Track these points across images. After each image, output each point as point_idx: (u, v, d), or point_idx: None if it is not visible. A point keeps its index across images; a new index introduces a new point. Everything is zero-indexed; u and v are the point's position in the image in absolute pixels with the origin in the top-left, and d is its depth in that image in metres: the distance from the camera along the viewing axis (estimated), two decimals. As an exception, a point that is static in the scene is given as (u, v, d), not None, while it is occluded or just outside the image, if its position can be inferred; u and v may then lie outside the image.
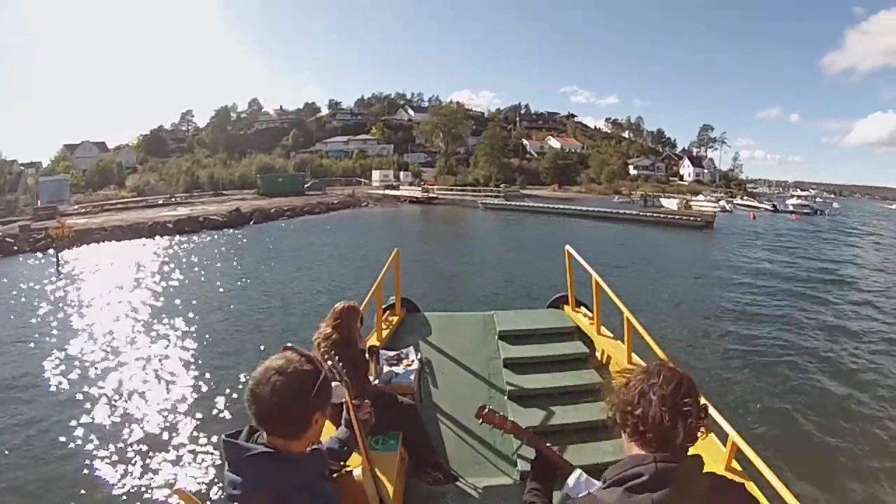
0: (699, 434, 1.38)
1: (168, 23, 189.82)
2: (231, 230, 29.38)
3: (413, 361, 4.42)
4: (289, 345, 1.61)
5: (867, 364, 10.81)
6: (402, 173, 67.41)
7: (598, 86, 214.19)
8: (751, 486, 2.56)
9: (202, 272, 18.77)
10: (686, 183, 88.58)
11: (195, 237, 27.47)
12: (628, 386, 1.41)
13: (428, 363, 5.01)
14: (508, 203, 48.81)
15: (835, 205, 72.13)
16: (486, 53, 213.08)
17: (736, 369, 10.17)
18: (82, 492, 6.12)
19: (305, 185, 54.26)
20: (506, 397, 4.67)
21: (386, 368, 4.16)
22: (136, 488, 6.18)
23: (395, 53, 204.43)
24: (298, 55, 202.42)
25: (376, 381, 3.91)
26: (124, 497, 6.06)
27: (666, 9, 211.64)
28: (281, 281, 17.19)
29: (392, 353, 4.48)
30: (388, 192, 54.04)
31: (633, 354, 4.48)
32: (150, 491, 6.12)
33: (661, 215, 40.48)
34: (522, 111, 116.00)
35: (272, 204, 38.31)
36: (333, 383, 2.18)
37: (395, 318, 5.66)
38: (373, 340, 4.82)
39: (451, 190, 56.77)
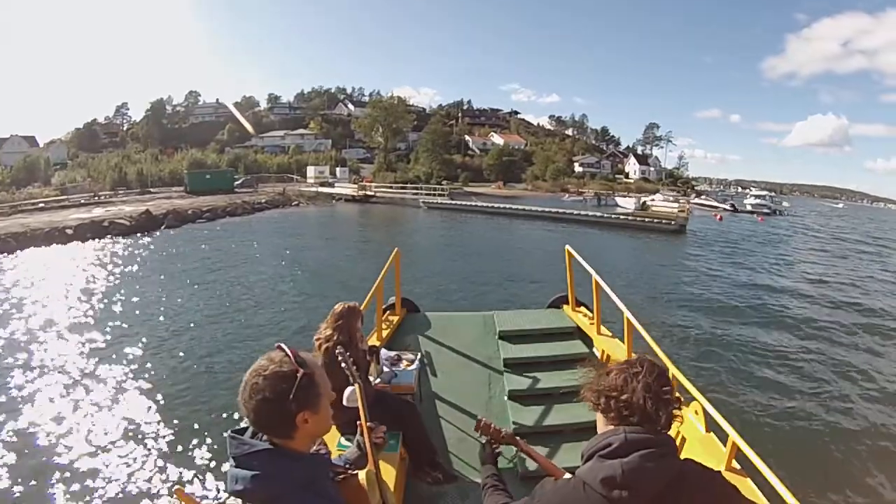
0: (675, 421, 1.51)
1: (106, 12, 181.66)
2: (139, 236, 25.95)
3: (413, 361, 4.53)
4: (278, 343, 1.63)
5: (867, 364, 11.03)
6: (338, 169, 65.45)
7: (538, 84, 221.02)
8: (750, 486, 2.85)
9: (76, 296, 14.57)
10: (632, 181, 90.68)
11: (96, 245, 23.81)
12: (610, 374, 1.54)
13: (428, 363, 5.14)
14: (453, 202, 46.07)
15: (785, 203, 74.84)
16: (428, 50, 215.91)
17: (736, 368, 10.37)
18: (79, 494, 6.05)
19: (236, 183, 51.92)
20: (506, 397, 4.80)
21: (386, 368, 4.24)
22: (134, 488, 6.14)
23: (337, 48, 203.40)
24: (241, 48, 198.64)
25: (376, 381, 3.99)
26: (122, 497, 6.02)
27: (606, 10, 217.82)
28: (171, 309, 13.30)
29: (392, 353, 4.59)
30: (321, 189, 51.61)
31: (633, 354, 4.41)
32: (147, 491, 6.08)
33: (630, 218, 37.37)
34: (465, 107, 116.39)
35: (193, 204, 35.51)
36: (348, 388, 2.55)
37: (395, 318, 5.78)
38: (373, 340, 4.93)
39: (391, 187, 54.31)
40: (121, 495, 6.01)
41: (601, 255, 21.93)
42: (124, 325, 11.86)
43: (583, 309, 6.04)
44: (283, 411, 1.50)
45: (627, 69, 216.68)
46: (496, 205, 43.95)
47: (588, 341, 5.50)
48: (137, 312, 13.07)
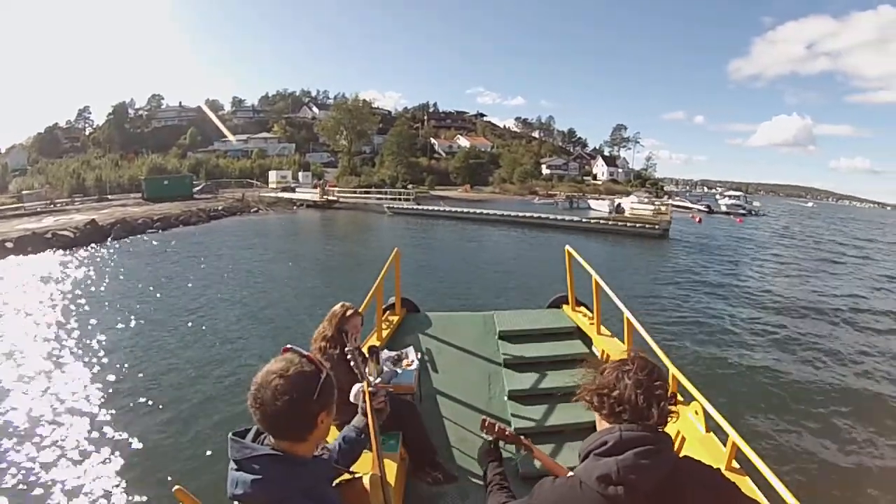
0: (670, 418, 1.53)
1: (69, 13, 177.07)
2: (81, 249, 23.69)
3: (413, 361, 4.54)
4: (288, 346, 1.66)
5: (868, 364, 11.25)
6: (301, 174, 64.68)
7: (504, 87, 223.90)
8: (750, 486, 2.88)
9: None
10: (600, 182, 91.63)
11: (35, 260, 21.46)
12: (604, 373, 1.59)
13: (428, 363, 5.18)
14: (419, 207, 44.60)
15: (756, 203, 76.06)
16: (394, 54, 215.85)
17: (737, 369, 10.52)
18: (76, 493, 6.07)
19: (196, 189, 50.83)
20: (506, 397, 4.83)
21: (386, 368, 4.23)
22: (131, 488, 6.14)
23: (302, 52, 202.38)
24: (205, 50, 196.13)
25: (376, 381, 3.84)
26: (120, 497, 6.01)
27: (571, 13, 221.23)
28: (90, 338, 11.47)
29: (392, 353, 4.59)
30: (282, 195, 50.49)
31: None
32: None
33: (611, 223, 35.26)
34: (431, 110, 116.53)
35: (147, 212, 34.18)
36: (355, 386, 2.65)
37: (395, 318, 5.80)
38: (373, 340, 4.95)
39: (355, 192, 53.28)
40: (121, 495, 6.02)
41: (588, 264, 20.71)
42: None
43: (583, 309, 6.09)
44: (306, 412, 1.54)
45: (592, 72, 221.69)
46: (465, 209, 42.80)
47: (588, 341, 5.54)
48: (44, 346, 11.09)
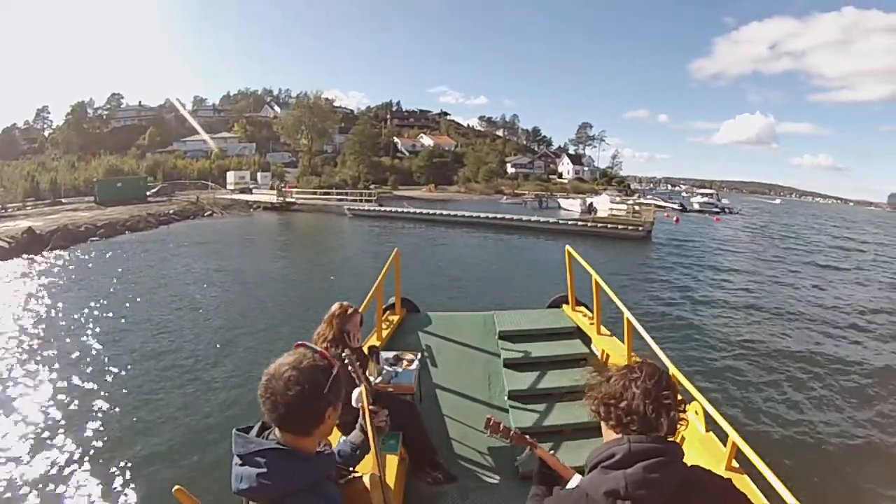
0: (679, 426, 1.51)
1: (27, 10, 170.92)
2: (14, 260, 21.23)
3: (413, 361, 4.54)
4: (300, 342, 1.71)
5: (868, 364, 11.35)
6: (259, 174, 63.48)
7: (467, 86, 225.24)
8: (749, 486, 2.94)
9: None
10: (566, 180, 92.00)
11: None
12: (610, 381, 1.55)
13: (428, 363, 5.20)
14: (382, 209, 42.57)
15: (724, 201, 76.31)
16: (357, 53, 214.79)
17: (736, 369, 10.60)
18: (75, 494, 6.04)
19: (152, 191, 49.37)
20: (506, 397, 4.88)
21: (386, 368, 4.26)
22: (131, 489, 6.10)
23: (265, 52, 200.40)
24: (167, 48, 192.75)
25: (376, 381, 3.98)
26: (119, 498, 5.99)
27: (533, 12, 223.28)
28: None
29: (392, 354, 4.60)
30: (238, 197, 48.77)
31: (633, 354, 4.61)
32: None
33: (590, 224, 32.86)
34: (394, 108, 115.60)
35: (93, 218, 32.23)
36: (355, 391, 2.61)
37: (395, 318, 5.82)
38: (373, 340, 4.98)
39: (315, 193, 51.53)
40: (120, 496, 5.97)
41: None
42: None
43: (583, 309, 6.17)
44: (315, 405, 1.56)
45: (558, 71, 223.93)
46: (430, 211, 41.06)
47: (588, 341, 5.60)
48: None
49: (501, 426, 2.38)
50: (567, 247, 5.85)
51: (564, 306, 6.35)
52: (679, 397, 1.53)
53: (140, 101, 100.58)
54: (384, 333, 5.36)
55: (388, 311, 5.86)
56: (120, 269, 19.97)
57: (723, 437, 3.32)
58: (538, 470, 2.19)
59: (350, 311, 3.69)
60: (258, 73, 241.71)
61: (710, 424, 3.55)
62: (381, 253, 22.85)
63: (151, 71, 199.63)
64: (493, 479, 4.06)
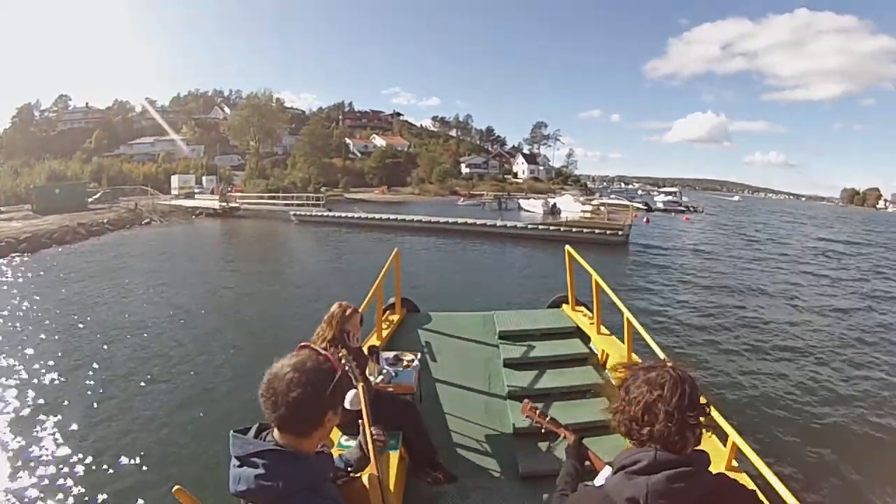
0: (704, 431, 1.48)
1: None
2: None
3: (413, 361, 4.55)
4: (304, 343, 1.72)
5: (869, 365, 11.37)
6: (205, 178, 61.53)
7: (419, 87, 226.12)
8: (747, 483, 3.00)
9: None
10: (522, 180, 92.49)
11: None
12: (631, 398, 1.48)
13: (428, 363, 5.20)
14: (330, 214, 39.63)
15: (684, 198, 76.51)
16: (309, 54, 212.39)
17: (736, 369, 10.56)
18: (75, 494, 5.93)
19: (93, 197, 47.38)
20: (506, 397, 4.90)
21: (386, 368, 4.27)
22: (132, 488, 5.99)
23: (214, 51, 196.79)
24: (116, 48, 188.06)
25: (376, 381, 4.01)
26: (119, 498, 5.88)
27: (485, 14, 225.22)
28: None
29: (392, 353, 4.61)
30: (179, 203, 45.93)
31: (633, 354, 4.70)
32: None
33: (565, 228, 30.10)
34: (346, 109, 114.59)
35: (22, 229, 29.21)
36: (351, 391, 2.50)
37: (395, 318, 5.84)
38: (373, 340, 4.99)
39: (261, 198, 48.57)
40: (120, 496, 5.92)
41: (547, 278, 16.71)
42: None
43: (583, 309, 6.23)
44: (316, 407, 1.56)
45: (513, 71, 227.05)
46: (383, 215, 37.72)
47: (588, 341, 5.66)
48: None
49: (538, 412, 2.46)
50: (567, 247, 5.93)
51: (564, 306, 6.43)
52: (703, 399, 1.48)
53: (87, 103, 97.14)
54: (384, 333, 5.39)
55: (388, 311, 5.90)
56: (27, 295, 15.72)
57: (723, 437, 3.36)
58: (566, 464, 2.20)
59: (350, 310, 3.73)
60: (210, 75, 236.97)
61: (710, 425, 3.59)
62: (327, 272, 20.88)
63: (100, 72, 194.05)
64: (493, 479, 4.10)
